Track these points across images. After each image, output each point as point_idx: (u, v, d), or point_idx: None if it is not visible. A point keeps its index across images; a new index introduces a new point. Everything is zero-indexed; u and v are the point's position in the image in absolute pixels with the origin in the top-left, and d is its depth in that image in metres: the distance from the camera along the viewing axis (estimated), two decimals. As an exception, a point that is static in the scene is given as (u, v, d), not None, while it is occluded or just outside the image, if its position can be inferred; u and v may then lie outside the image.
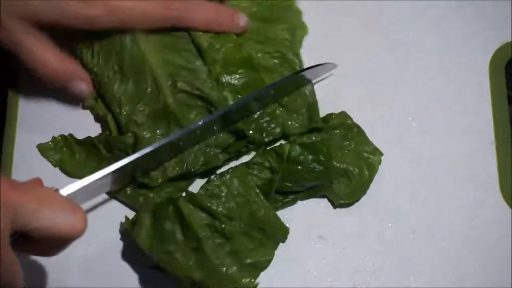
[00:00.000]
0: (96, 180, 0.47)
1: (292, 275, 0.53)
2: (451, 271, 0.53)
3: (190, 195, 0.50)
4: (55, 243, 0.42)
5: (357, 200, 0.55)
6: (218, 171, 0.54)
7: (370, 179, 0.54)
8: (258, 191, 0.51)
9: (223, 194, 0.50)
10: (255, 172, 0.52)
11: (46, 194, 0.41)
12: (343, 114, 0.56)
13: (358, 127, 0.55)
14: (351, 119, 0.55)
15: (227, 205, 0.50)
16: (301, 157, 0.52)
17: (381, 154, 0.55)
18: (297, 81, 0.55)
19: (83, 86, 0.53)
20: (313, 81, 0.56)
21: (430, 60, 0.60)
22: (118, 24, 0.51)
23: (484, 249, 0.54)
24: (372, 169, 0.54)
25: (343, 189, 0.54)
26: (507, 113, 0.58)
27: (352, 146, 0.55)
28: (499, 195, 0.56)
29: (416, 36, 0.60)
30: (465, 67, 0.59)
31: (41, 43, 0.51)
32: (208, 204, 0.49)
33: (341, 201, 0.54)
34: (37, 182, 0.44)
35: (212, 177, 0.51)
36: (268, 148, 0.53)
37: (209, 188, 0.50)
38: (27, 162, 0.55)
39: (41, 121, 0.57)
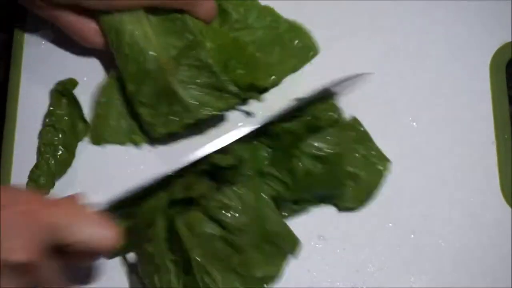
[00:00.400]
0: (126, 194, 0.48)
1: (292, 275, 0.53)
2: (451, 271, 0.53)
3: (203, 206, 0.49)
4: (91, 255, 0.45)
5: (363, 206, 0.55)
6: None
7: (377, 186, 0.54)
8: (271, 203, 0.50)
9: (235, 207, 0.50)
10: (269, 183, 0.52)
11: (79, 211, 0.43)
12: (355, 121, 0.55)
13: (367, 134, 0.55)
14: (362, 126, 0.55)
15: (239, 218, 0.49)
16: (314, 169, 0.52)
17: (389, 161, 0.55)
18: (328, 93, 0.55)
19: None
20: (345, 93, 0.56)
21: (430, 60, 0.59)
22: (135, 6, 0.52)
23: (484, 249, 0.54)
24: (380, 177, 0.54)
25: (349, 193, 0.54)
26: (508, 113, 0.58)
27: (362, 152, 0.54)
28: (500, 195, 0.56)
29: (416, 36, 0.60)
30: (466, 67, 0.59)
31: (78, 17, 0.53)
32: (220, 216, 0.49)
33: (347, 205, 0.54)
34: (73, 198, 0.45)
35: (225, 188, 0.51)
36: (280, 159, 0.52)
37: (222, 200, 0.49)
38: (27, 162, 0.55)
39: (40, 120, 0.56)
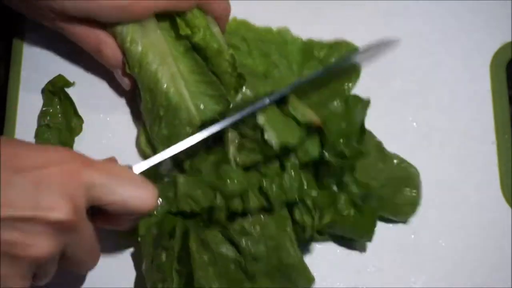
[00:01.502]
0: (166, 159, 0.48)
1: (292, 275, 0.53)
2: (452, 272, 0.53)
3: (222, 227, 0.49)
4: (128, 217, 0.45)
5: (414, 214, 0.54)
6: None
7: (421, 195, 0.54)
8: (293, 239, 0.49)
9: (255, 234, 0.48)
10: (301, 209, 0.50)
11: (118, 170, 0.43)
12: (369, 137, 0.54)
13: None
14: (380, 143, 0.55)
15: (256, 245, 0.48)
16: (345, 212, 0.51)
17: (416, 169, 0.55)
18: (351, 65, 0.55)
19: (126, 81, 0.55)
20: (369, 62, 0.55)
21: (431, 60, 0.60)
22: (147, 12, 0.51)
23: (484, 249, 0.54)
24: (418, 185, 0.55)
25: (404, 203, 0.54)
26: (508, 113, 0.58)
27: (387, 171, 0.54)
28: (500, 195, 0.56)
29: (416, 36, 0.60)
30: (466, 67, 0.59)
31: (97, 35, 0.53)
32: (238, 240, 0.48)
33: (402, 218, 0.54)
34: (112, 160, 0.46)
35: (249, 213, 0.50)
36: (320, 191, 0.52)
37: (244, 225, 0.48)
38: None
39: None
